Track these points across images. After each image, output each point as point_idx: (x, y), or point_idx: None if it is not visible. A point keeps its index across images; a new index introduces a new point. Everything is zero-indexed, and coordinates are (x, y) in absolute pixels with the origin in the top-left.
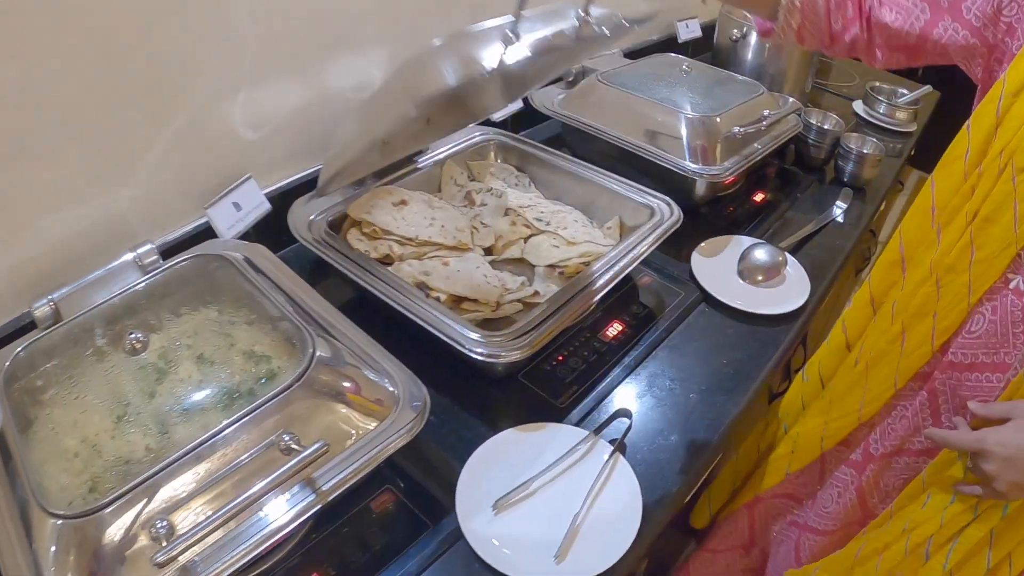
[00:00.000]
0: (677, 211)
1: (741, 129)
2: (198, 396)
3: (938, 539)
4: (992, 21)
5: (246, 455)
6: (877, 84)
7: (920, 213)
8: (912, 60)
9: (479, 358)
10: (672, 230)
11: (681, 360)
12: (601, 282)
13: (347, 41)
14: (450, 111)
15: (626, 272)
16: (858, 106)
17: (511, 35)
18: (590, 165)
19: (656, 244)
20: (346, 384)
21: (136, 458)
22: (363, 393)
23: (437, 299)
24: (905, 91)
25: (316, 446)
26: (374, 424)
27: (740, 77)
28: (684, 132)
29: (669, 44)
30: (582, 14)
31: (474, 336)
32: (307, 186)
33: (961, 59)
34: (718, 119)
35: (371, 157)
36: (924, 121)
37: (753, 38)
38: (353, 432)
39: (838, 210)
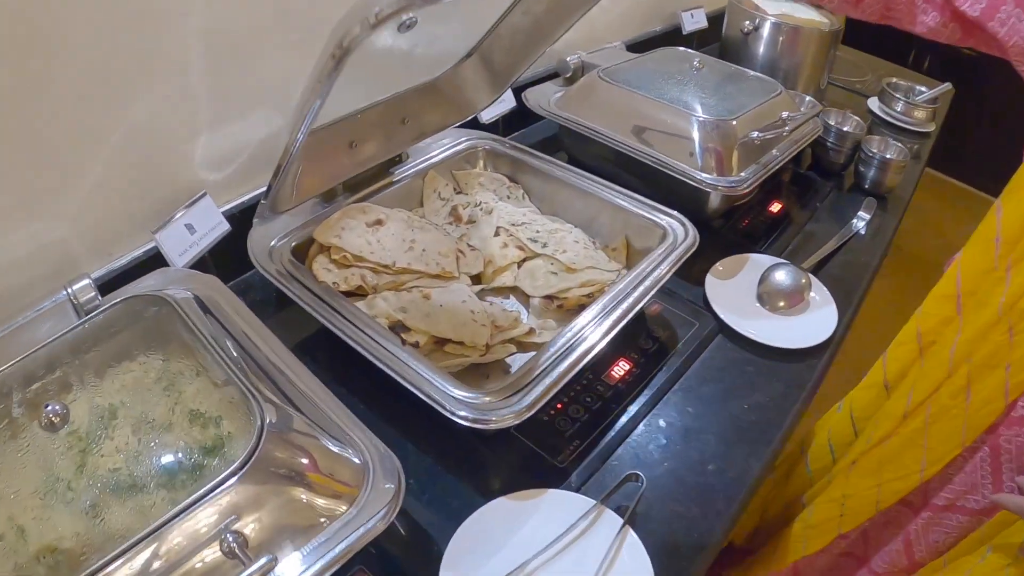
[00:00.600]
0: (692, 232)
1: (760, 134)
2: (136, 470)
3: None
4: None
5: (187, 556)
6: (894, 80)
7: (983, 243)
8: (965, 38)
9: (463, 423)
10: (688, 254)
11: (697, 406)
12: (610, 321)
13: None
14: (427, 106)
15: (638, 308)
16: (873, 104)
17: None
18: (591, 176)
19: (671, 272)
20: (303, 460)
21: (65, 547)
22: (324, 470)
23: (415, 345)
24: (923, 88)
25: (261, 562)
26: (341, 508)
27: (754, 74)
28: (696, 137)
29: (672, 36)
30: None
31: (457, 394)
32: None
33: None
34: (734, 122)
35: (336, 164)
36: (942, 120)
37: (766, 30)
38: (313, 522)
39: (860, 222)
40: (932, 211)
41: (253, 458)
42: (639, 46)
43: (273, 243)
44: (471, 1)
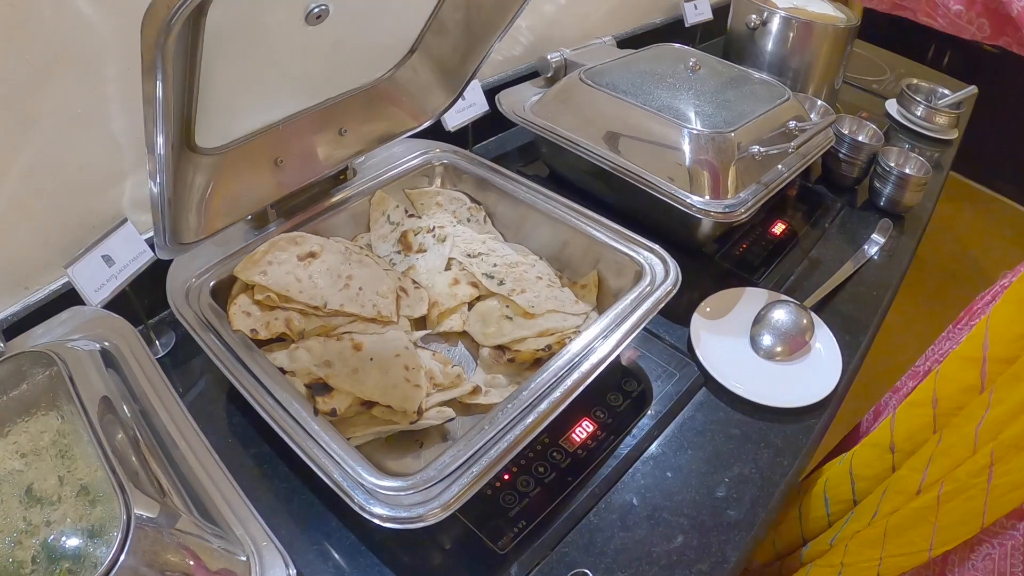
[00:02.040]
0: (674, 270)
1: (762, 149)
2: (16, 555)
3: None
4: None
5: None
6: (914, 82)
7: (1018, 303)
8: (995, 36)
9: (376, 522)
10: (666, 299)
11: (668, 480)
12: (568, 384)
13: None
14: (370, 114)
15: (600, 370)
16: (891, 107)
17: None
18: (561, 199)
19: (644, 323)
20: (173, 559)
21: None
22: (199, 570)
23: (331, 412)
24: (946, 91)
25: None
26: None
27: (759, 75)
28: (687, 151)
29: (675, 28)
30: None
31: (370, 482)
32: None
33: None
34: (732, 135)
35: (258, 185)
36: (964, 126)
37: (775, 25)
38: None
39: (874, 247)
40: (949, 216)
41: (116, 566)
42: (636, 40)
43: (193, 280)
44: None
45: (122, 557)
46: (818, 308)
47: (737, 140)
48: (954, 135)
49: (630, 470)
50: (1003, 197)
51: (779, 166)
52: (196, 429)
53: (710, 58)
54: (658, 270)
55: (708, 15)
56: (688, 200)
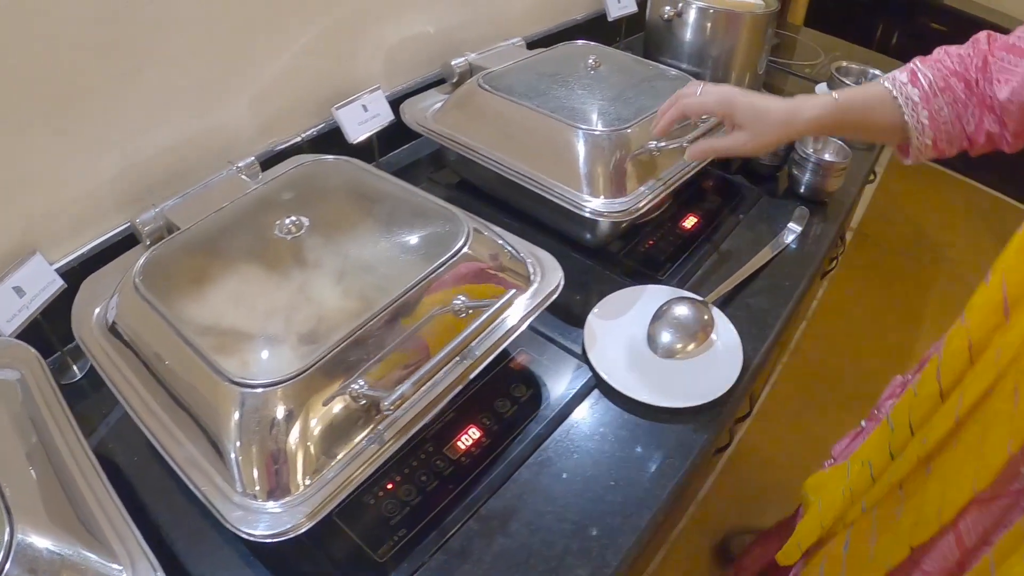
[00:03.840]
0: (557, 276)
1: (659, 145)
2: None
3: None
4: None
5: None
6: (844, 64)
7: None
8: None
9: (238, 531)
10: (547, 303)
11: (552, 485)
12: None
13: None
14: None
15: (463, 384)
16: (821, 90)
17: None
18: (450, 208)
19: (520, 330)
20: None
21: None
22: None
23: None
24: (877, 72)
25: None
26: None
27: (665, 68)
28: (581, 152)
29: (597, 23)
30: None
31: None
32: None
33: None
34: (628, 131)
35: None
36: None
37: (691, 15)
38: None
39: (790, 235)
40: (900, 194)
41: None
42: (556, 38)
43: (97, 310)
44: None
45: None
46: (725, 302)
47: (633, 136)
48: None
49: (514, 476)
50: (953, 172)
51: (683, 159)
52: (88, 452)
53: (614, 53)
54: (540, 272)
55: (632, 8)
56: (579, 202)
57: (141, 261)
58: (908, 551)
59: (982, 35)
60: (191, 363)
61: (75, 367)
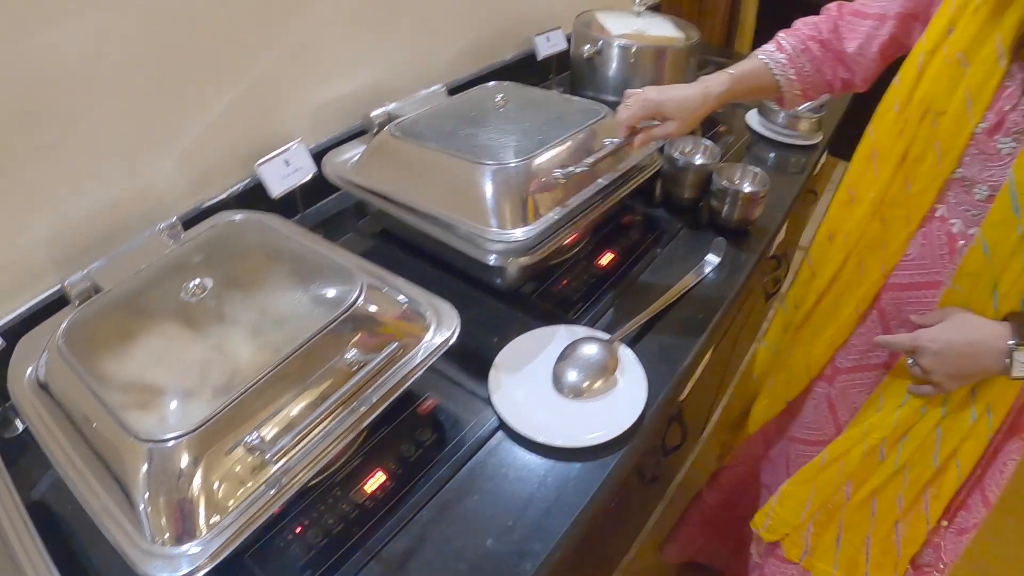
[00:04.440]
0: (453, 325)
1: (565, 171)
2: None
3: (891, 439)
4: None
5: None
6: None
7: (862, 158)
8: (886, 63)
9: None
10: (440, 353)
11: (451, 527)
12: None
13: None
14: None
15: (350, 437)
16: (752, 119)
17: None
18: (354, 258)
19: (411, 380)
20: None
21: None
22: None
23: None
24: None
25: None
26: None
27: (578, 100)
28: (488, 190)
29: (527, 63)
30: None
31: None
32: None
33: (909, 40)
34: (534, 162)
35: None
36: (833, 128)
37: (612, 52)
38: None
39: (708, 267)
40: None
41: None
42: (484, 81)
43: (30, 369)
44: None
45: None
46: (636, 338)
47: (541, 166)
48: (819, 139)
49: (415, 518)
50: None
51: (598, 182)
52: (17, 503)
53: (525, 90)
54: (444, 324)
55: (562, 45)
56: (486, 239)
57: (64, 324)
58: (784, 405)
59: (833, 4)
60: (105, 420)
61: (17, 421)
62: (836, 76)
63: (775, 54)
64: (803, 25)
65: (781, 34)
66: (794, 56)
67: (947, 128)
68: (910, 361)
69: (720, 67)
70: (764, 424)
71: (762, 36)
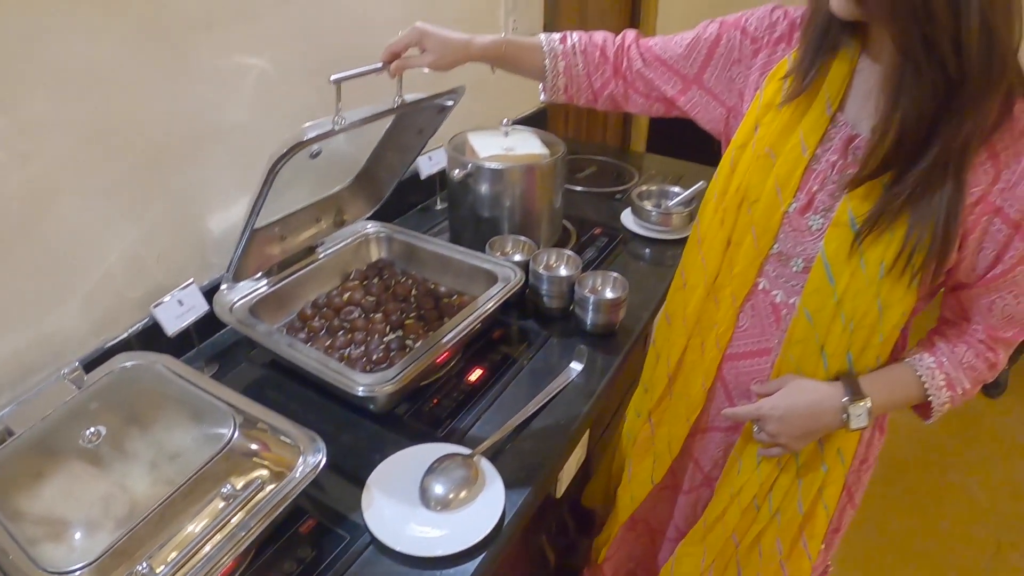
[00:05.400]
0: (319, 455)
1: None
2: None
3: (760, 494)
4: (727, 88)
5: None
6: (644, 188)
7: (692, 246)
8: (668, 112)
9: None
10: (309, 481)
11: None
12: None
13: None
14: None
15: (227, 563)
16: (627, 218)
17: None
18: (223, 393)
19: (280, 510)
20: None
21: None
22: None
23: None
24: (677, 189)
25: None
26: None
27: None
28: None
29: (412, 182)
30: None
31: None
32: None
33: (710, 124)
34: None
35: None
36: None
37: (482, 174)
38: None
39: (572, 374)
40: None
41: None
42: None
43: None
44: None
45: None
46: (500, 448)
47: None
48: (689, 231)
49: None
50: None
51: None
52: None
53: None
54: (310, 455)
55: (443, 164)
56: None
57: None
58: (651, 487)
59: (631, 32)
60: (18, 554)
61: None
62: (605, 88)
63: (555, 42)
64: (595, 33)
65: (573, 31)
66: (572, 52)
67: (761, 212)
68: (755, 428)
69: (607, 167)
70: (633, 512)
71: (656, 135)
